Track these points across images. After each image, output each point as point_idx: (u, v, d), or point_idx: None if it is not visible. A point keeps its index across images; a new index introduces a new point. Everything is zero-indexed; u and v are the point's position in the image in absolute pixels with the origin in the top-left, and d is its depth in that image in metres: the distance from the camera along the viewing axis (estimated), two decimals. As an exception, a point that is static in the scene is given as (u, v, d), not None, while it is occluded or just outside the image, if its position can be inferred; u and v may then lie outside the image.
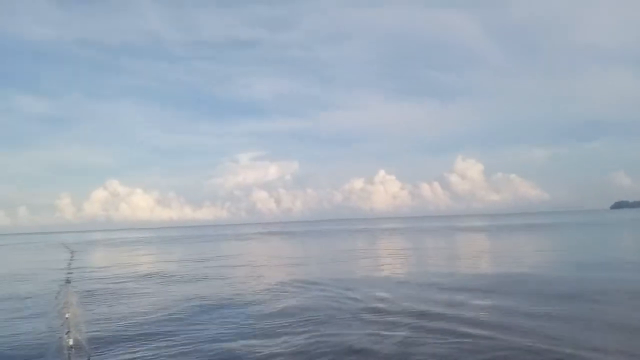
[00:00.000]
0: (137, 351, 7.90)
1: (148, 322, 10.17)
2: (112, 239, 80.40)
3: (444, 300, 11.29)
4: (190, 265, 25.42)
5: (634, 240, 33.13)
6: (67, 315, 10.01)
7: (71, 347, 7.52)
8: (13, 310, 12.45)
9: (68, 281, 18.14)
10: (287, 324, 9.46)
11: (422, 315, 9.69)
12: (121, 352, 7.90)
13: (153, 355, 7.66)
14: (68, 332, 8.38)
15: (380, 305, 11.02)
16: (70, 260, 31.26)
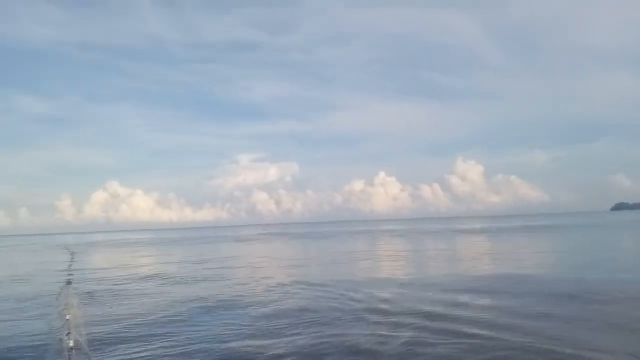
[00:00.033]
0: (138, 352, 7.89)
1: (148, 323, 10.16)
2: (113, 241, 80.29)
3: (446, 301, 11.30)
4: (190, 266, 25.44)
5: (633, 242, 33.16)
6: (67, 317, 9.98)
7: (72, 348, 7.51)
8: (13, 311, 12.45)
9: (68, 282, 18.11)
10: (290, 325, 9.44)
11: (425, 315, 9.71)
12: (122, 353, 7.89)
13: (154, 356, 7.65)
14: (68, 333, 8.36)
15: (383, 306, 11.02)
16: (71, 261, 31.24)
